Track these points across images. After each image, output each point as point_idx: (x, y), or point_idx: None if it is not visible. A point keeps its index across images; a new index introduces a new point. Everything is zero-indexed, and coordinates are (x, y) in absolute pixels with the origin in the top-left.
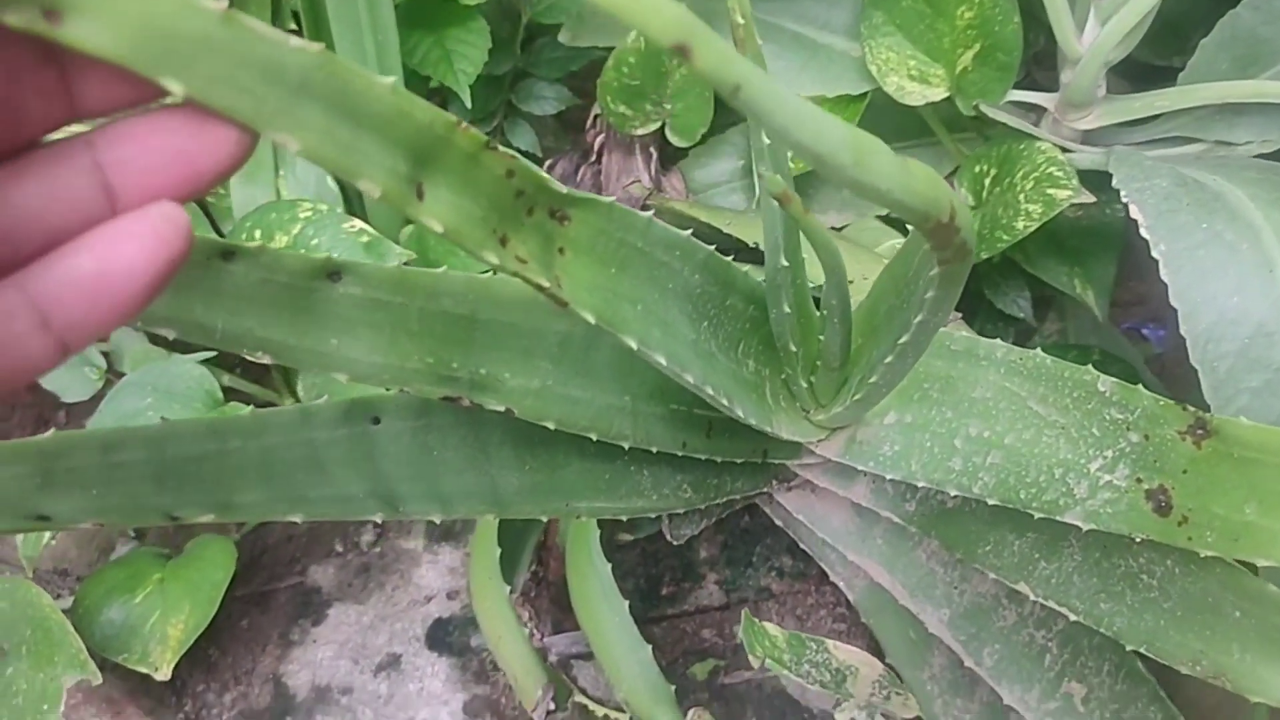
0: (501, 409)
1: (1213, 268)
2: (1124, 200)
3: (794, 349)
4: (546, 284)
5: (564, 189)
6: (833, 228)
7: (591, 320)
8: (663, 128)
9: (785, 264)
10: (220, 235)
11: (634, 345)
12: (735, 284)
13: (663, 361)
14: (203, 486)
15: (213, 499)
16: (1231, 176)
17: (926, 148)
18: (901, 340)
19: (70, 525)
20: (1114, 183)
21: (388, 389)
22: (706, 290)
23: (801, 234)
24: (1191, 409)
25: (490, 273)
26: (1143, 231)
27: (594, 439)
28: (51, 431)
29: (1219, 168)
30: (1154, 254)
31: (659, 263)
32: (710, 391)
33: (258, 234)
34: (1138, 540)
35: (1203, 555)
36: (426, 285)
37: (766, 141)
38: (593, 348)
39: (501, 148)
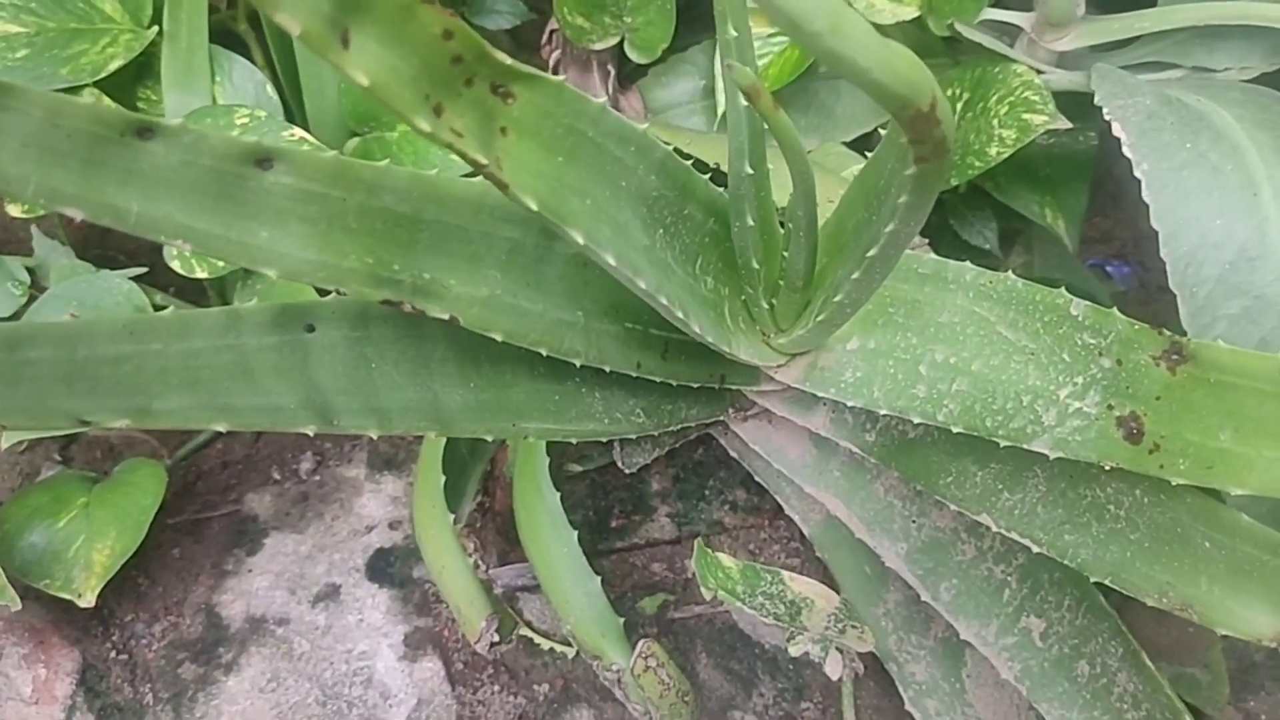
0: (445, 316)
1: (1196, 189)
2: (1106, 118)
3: (756, 266)
4: (485, 161)
5: (508, 60)
6: None
7: (534, 207)
8: (622, 43)
9: (750, 172)
10: None
11: (580, 240)
12: (695, 192)
13: (611, 261)
14: (118, 390)
15: (129, 404)
16: (1215, 97)
17: None
18: (870, 253)
19: None
20: (1096, 100)
21: (323, 290)
22: (663, 195)
23: (767, 147)
24: (1167, 333)
25: (437, 170)
26: (1125, 150)
27: (544, 355)
28: None
29: (1202, 89)
30: (1136, 173)
31: (612, 157)
32: (664, 301)
33: None
34: (1106, 469)
35: (1174, 484)
36: (367, 179)
37: (733, 34)
38: (544, 260)
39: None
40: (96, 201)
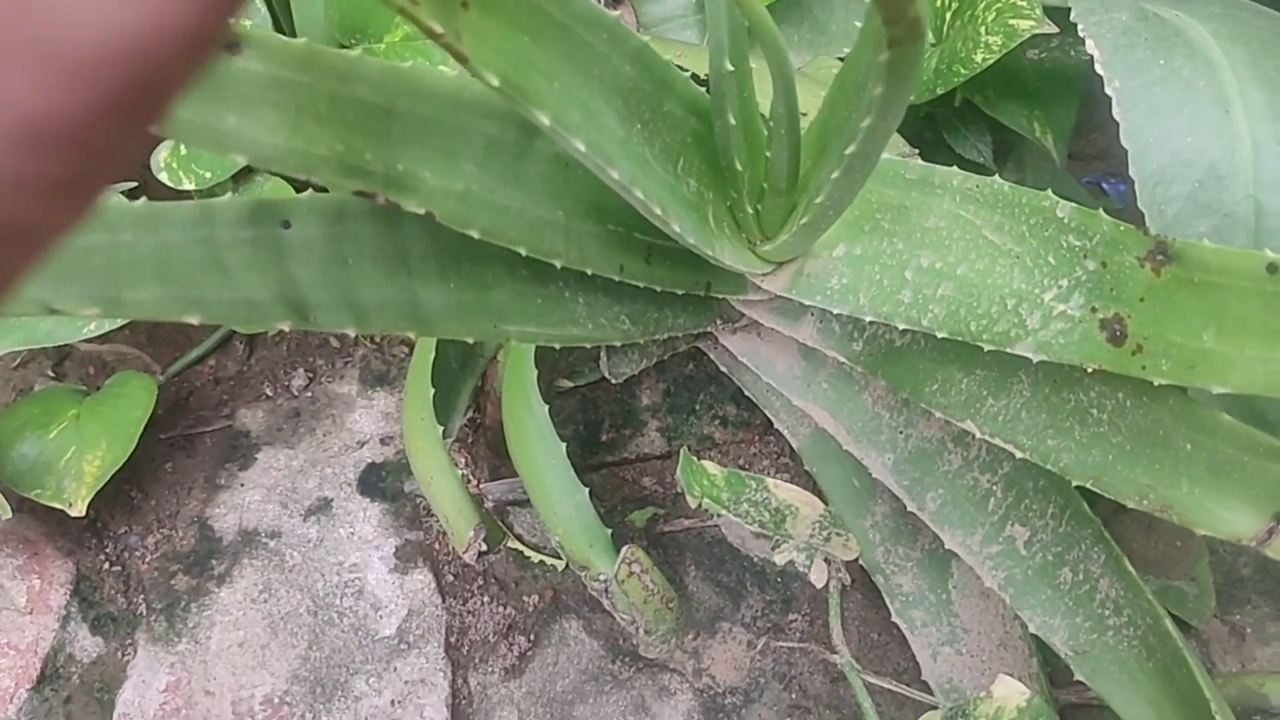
0: (421, 211)
1: (1167, 106)
2: (1081, 34)
3: (739, 168)
4: (441, 31)
5: None
6: None
7: (495, 83)
8: None
9: (731, 69)
10: None
11: (546, 121)
12: (674, 88)
13: (581, 148)
14: (88, 279)
15: (99, 293)
16: (1195, 11)
17: None
18: (848, 150)
19: None
20: (1072, 15)
21: (295, 179)
22: (640, 87)
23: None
24: (1152, 234)
25: (411, 63)
26: (1098, 67)
27: (524, 254)
28: None
29: (1184, 3)
30: (1108, 90)
31: (581, 41)
32: (640, 195)
33: None
34: (1089, 372)
35: (1156, 385)
36: (339, 68)
37: None
38: (524, 157)
39: None
40: None
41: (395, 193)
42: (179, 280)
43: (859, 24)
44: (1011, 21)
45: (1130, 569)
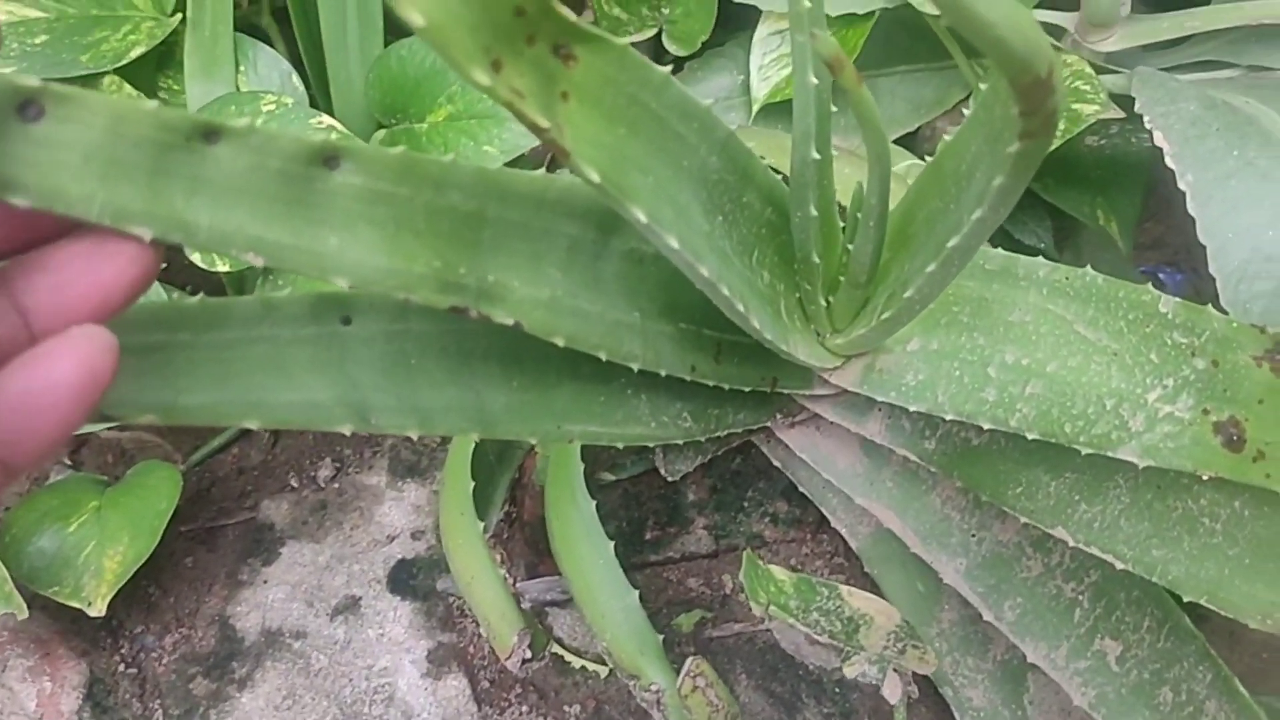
0: (510, 322)
1: (1245, 199)
2: (1148, 127)
3: (815, 260)
4: (546, 125)
5: (572, 17)
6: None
7: (596, 179)
8: (659, 35)
9: (816, 157)
10: None
11: (643, 218)
12: (754, 177)
13: (674, 244)
14: (143, 384)
15: (155, 399)
16: (1266, 99)
17: (939, 72)
18: (951, 243)
19: None
20: (1137, 107)
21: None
22: (724, 179)
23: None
24: (1270, 331)
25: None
26: (1168, 160)
27: (603, 359)
28: None
29: (1252, 89)
30: (1180, 185)
31: (674, 133)
32: (726, 292)
33: None
34: (1201, 479)
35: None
36: (434, 175)
37: (808, 4)
38: (601, 257)
39: None
40: (166, 217)
41: (487, 305)
42: (239, 382)
43: (903, 105)
44: (1075, 106)
45: (1242, 690)
